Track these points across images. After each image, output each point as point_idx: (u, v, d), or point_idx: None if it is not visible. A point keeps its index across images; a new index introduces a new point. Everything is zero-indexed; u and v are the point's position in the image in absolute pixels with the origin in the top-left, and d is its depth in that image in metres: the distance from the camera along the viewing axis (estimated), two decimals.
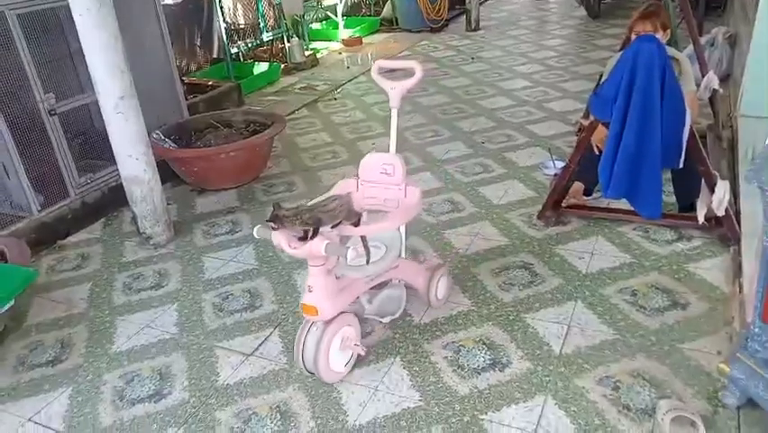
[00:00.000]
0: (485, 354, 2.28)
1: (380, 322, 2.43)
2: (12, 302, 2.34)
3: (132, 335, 2.57)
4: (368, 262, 2.18)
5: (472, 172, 3.83)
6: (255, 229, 2.04)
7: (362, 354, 2.21)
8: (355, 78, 6.31)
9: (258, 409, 2.12)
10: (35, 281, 2.61)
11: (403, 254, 2.41)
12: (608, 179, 2.41)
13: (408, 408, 2.07)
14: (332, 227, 2.00)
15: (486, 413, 2.02)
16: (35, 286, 2.85)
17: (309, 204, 2.02)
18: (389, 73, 2.45)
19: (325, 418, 2.05)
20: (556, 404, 2.03)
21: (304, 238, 1.93)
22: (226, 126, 4.14)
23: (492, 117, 4.79)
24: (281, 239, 1.96)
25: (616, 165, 2.34)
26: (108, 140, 3.12)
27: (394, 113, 2.30)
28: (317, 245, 1.89)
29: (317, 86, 6.15)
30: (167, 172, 3.80)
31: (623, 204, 2.92)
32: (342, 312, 2.13)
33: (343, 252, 1.92)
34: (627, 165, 2.33)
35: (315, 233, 1.92)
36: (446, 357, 2.28)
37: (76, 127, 3.66)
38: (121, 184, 3.34)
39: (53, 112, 3.34)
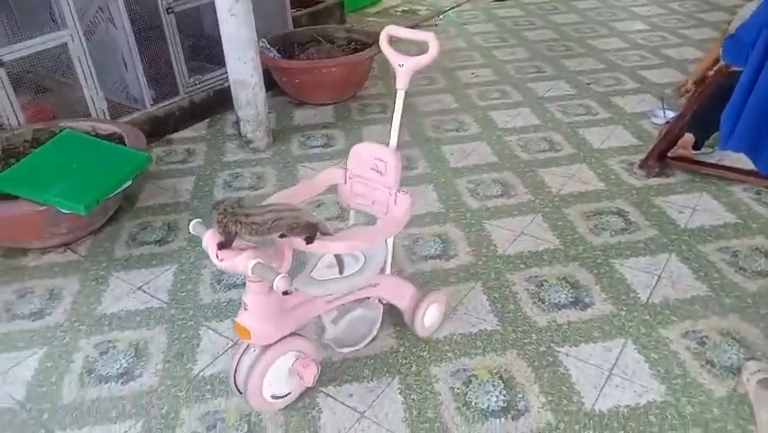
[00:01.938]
0: (567, 291, 2.28)
1: (338, 351, 2.01)
2: (129, 183, 2.54)
3: None
4: (341, 272, 1.82)
5: (574, 113, 3.68)
6: (191, 224, 1.63)
7: (308, 385, 1.80)
8: (459, 5, 6.10)
9: None
10: (149, 167, 2.80)
11: (387, 270, 1.99)
12: (730, 129, 2.24)
13: (485, 330, 2.12)
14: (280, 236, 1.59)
15: (562, 346, 2.04)
16: (147, 173, 3.08)
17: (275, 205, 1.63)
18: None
19: (404, 328, 2.14)
20: (636, 349, 2.01)
21: (223, 246, 1.53)
22: (329, 42, 4.15)
23: (601, 59, 4.52)
24: (210, 242, 1.55)
25: (743, 114, 2.17)
26: (217, 44, 3.23)
27: (400, 95, 1.80)
28: (243, 263, 1.49)
29: (419, 10, 6.01)
30: (268, 82, 3.89)
31: (735, 162, 2.74)
32: (288, 336, 1.75)
33: (272, 277, 1.45)
34: (756, 116, 2.15)
35: (228, 243, 1.53)
36: (528, 289, 2.30)
37: (188, 29, 3.79)
38: (226, 88, 3.47)
39: (170, 10, 3.47)
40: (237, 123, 3.39)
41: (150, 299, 2.33)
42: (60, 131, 2.75)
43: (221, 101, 3.79)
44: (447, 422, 1.81)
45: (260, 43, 3.77)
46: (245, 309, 1.64)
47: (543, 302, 2.23)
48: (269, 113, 3.52)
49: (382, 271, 1.95)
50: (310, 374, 1.77)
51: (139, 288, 2.39)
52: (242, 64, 3.16)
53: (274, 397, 1.80)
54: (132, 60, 3.41)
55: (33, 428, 1.84)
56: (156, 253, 2.59)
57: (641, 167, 3.01)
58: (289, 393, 1.84)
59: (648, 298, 2.23)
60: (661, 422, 1.77)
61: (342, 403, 1.88)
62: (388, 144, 1.85)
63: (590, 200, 2.83)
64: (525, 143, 3.37)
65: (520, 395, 1.88)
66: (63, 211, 2.32)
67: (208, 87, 3.82)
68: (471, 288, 2.32)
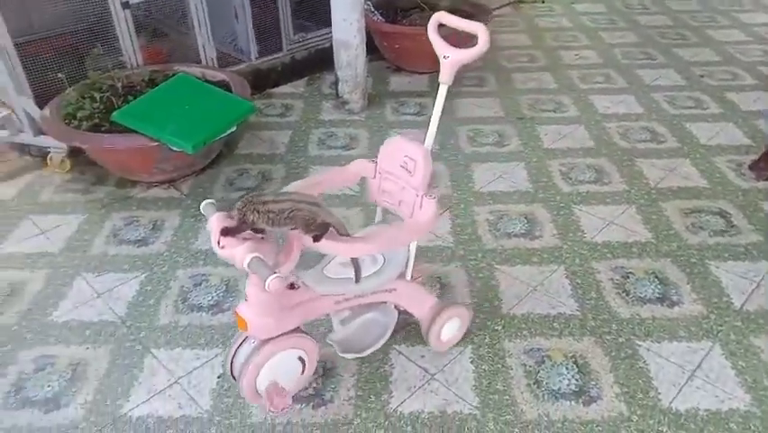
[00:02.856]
0: (655, 287, 2.20)
1: (340, 355, 1.87)
2: (234, 129, 2.66)
3: None
4: (357, 280, 1.67)
5: (682, 105, 3.49)
6: (202, 205, 1.51)
7: (270, 410, 1.61)
8: None
9: (420, 274, 2.28)
10: (251, 116, 2.92)
11: (408, 275, 1.85)
12: None
13: (563, 313, 2.10)
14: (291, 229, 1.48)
15: (644, 340, 1.99)
16: (247, 122, 3.21)
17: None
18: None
19: (482, 300, 2.16)
20: (723, 355, 1.93)
21: (227, 232, 1.42)
22: (432, 9, 4.11)
23: (719, 50, 4.23)
24: (215, 226, 1.44)
25: None
26: (323, 4, 3.29)
27: (442, 90, 1.62)
28: (241, 255, 1.38)
29: None
30: (368, 46, 3.93)
31: None
32: (291, 332, 1.63)
33: (266, 275, 1.33)
34: None
35: (236, 231, 1.42)
36: (612, 279, 2.24)
37: None
38: (327, 48, 3.54)
39: None
40: (335, 83, 3.46)
41: None
42: (174, 74, 2.92)
43: (321, 61, 3.88)
44: (516, 396, 1.82)
45: (365, 6, 3.80)
46: (246, 300, 1.55)
47: (627, 294, 2.18)
48: (367, 76, 3.57)
49: (402, 276, 1.81)
50: (279, 404, 1.59)
51: None
52: (347, 25, 3.21)
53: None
54: (243, 14, 3.53)
55: (132, 342, 2.01)
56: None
57: (751, 168, 2.83)
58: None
59: (743, 304, 2.12)
60: (742, 431, 1.70)
61: (413, 363, 1.94)
62: (424, 141, 1.69)
63: (690, 197, 2.70)
64: (626, 131, 3.23)
65: (593, 382, 1.86)
66: (173, 149, 2.48)
67: (310, 45, 3.91)
68: (554, 270, 2.29)
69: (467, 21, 1.56)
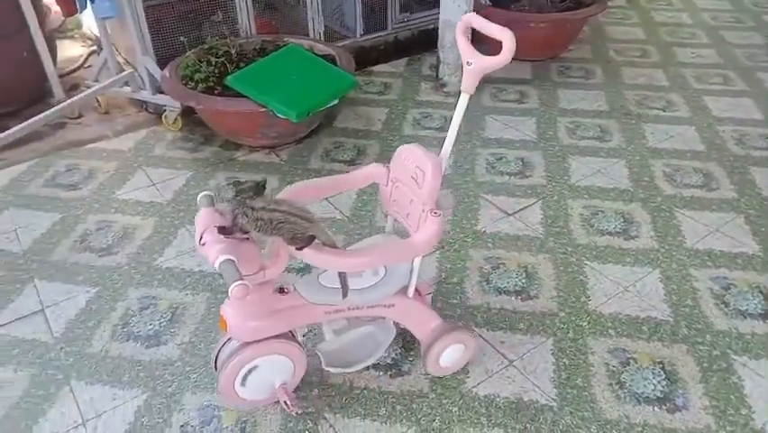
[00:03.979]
0: (759, 301, 2.07)
1: (326, 369, 1.74)
2: (336, 102, 2.74)
3: None
4: (344, 296, 1.58)
5: None
6: (199, 196, 1.48)
7: (290, 409, 1.64)
8: None
9: (507, 261, 2.26)
10: (351, 91, 2.99)
11: (410, 292, 1.71)
12: None
13: (654, 317, 2.02)
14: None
15: (741, 355, 1.88)
16: (347, 97, 3.29)
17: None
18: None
19: (568, 295, 2.12)
20: None
21: (223, 231, 1.38)
22: None
23: None
24: (200, 221, 1.41)
25: None
26: None
27: (463, 99, 1.52)
28: (214, 255, 1.31)
29: None
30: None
31: None
32: (276, 337, 1.58)
33: (237, 276, 1.27)
34: None
35: (229, 231, 1.39)
36: (711, 289, 2.13)
37: None
38: (430, 29, 3.55)
39: None
40: (437, 64, 3.46)
41: (334, 211, 2.54)
42: (285, 44, 3.03)
43: (423, 42, 3.89)
44: (596, 394, 1.78)
45: None
46: (228, 298, 1.48)
47: (726, 306, 2.06)
48: None
49: (404, 291, 1.70)
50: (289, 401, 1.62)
51: (325, 199, 2.62)
52: (456, 6, 3.19)
53: (243, 395, 1.65)
54: None
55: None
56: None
57: None
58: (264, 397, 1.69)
59: None
60: None
61: (492, 347, 1.94)
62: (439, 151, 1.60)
63: None
64: (741, 137, 3.03)
65: (681, 391, 1.78)
66: (278, 116, 2.59)
67: (414, 26, 3.92)
68: (648, 273, 2.20)
69: (495, 25, 1.43)
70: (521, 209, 2.54)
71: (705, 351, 1.90)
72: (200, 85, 2.78)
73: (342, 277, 1.56)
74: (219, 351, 1.64)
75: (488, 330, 1.99)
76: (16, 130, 2.67)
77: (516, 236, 2.39)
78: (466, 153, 2.93)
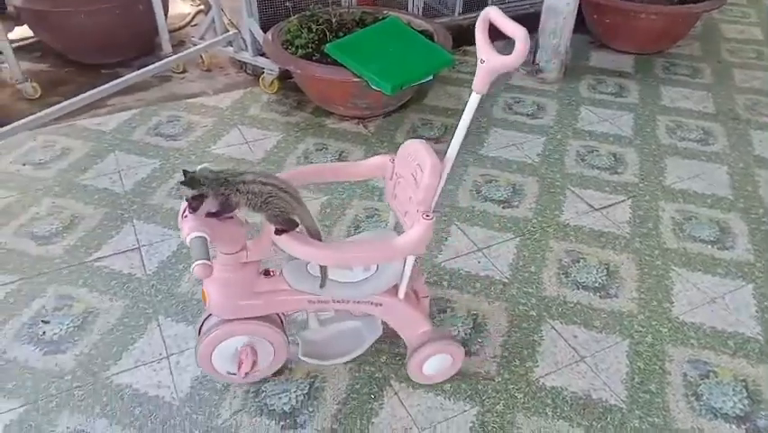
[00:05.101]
0: None
1: (301, 359, 1.70)
2: (430, 78, 2.73)
3: (499, 146, 2.82)
4: (321, 286, 1.52)
5: None
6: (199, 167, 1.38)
7: (239, 374, 1.61)
8: None
9: (588, 256, 2.21)
10: (446, 68, 2.97)
11: (401, 294, 1.62)
12: None
13: (742, 333, 1.92)
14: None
15: None
16: (439, 75, 3.27)
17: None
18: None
19: (650, 298, 2.05)
20: None
21: (213, 215, 1.35)
22: None
23: None
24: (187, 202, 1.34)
25: None
26: None
27: (473, 99, 1.38)
28: (186, 231, 1.28)
29: None
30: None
31: None
32: (256, 319, 1.58)
33: (202, 255, 1.23)
34: None
35: (216, 214, 1.36)
36: None
37: None
38: (531, 13, 3.45)
39: None
40: (534, 49, 3.37)
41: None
42: (384, 17, 3.04)
43: (522, 25, 3.78)
44: (669, 402, 1.72)
45: None
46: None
47: None
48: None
49: (394, 291, 1.62)
50: (246, 365, 1.58)
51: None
52: None
53: (219, 368, 1.65)
54: None
55: None
56: None
57: None
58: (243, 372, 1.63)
59: None
60: None
61: (565, 340, 1.90)
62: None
63: None
64: None
65: (764, 412, 1.69)
66: (372, 87, 2.61)
67: (515, 9, 3.82)
68: (740, 286, 2.09)
69: (511, 21, 1.28)
70: (609, 205, 2.46)
71: None
72: (300, 50, 2.85)
73: (323, 267, 1.51)
74: (205, 320, 1.64)
75: (561, 323, 1.96)
76: (127, 78, 2.84)
77: (600, 232, 2.32)
78: (556, 143, 2.85)
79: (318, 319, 1.75)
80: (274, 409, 1.68)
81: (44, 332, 1.89)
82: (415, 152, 1.48)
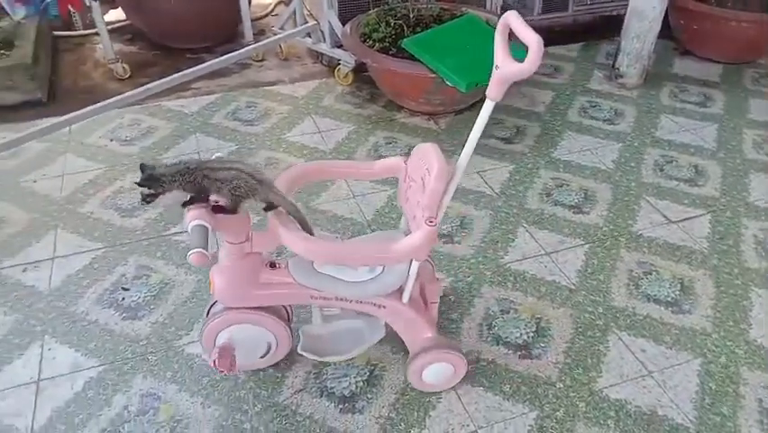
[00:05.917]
0: None
1: (303, 355, 1.68)
2: None
3: (572, 151, 2.76)
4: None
5: None
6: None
7: (214, 361, 1.55)
8: None
9: (661, 270, 2.13)
10: None
11: (405, 297, 1.59)
12: None
13: None
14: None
15: None
16: None
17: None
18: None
19: (726, 318, 1.96)
20: None
21: (188, 203, 1.36)
22: None
23: None
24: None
25: None
26: None
27: (487, 105, 1.38)
28: (187, 219, 1.32)
29: None
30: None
31: None
32: (259, 309, 1.59)
33: (199, 244, 1.25)
34: None
35: (191, 202, 1.35)
36: None
37: None
38: (614, 16, 3.37)
39: None
40: (616, 53, 3.27)
41: (484, 187, 2.54)
42: (461, 14, 3.03)
43: (603, 28, 3.70)
44: (742, 427, 1.64)
45: None
46: (218, 261, 1.50)
47: None
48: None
49: (399, 294, 1.59)
50: (223, 364, 1.54)
51: (477, 172, 2.62)
52: None
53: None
54: None
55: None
56: (500, 149, 2.77)
57: None
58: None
59: None
60: None
61: (632, 353, 1.85)
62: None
63: None
64: None
65: None
66: (447, 83, 2.61)
67: (597, 11, 3.73)
68: None
69: (528, 28, 1.25)
70: (686, 219, 2.37)
71: None
72: (377, 44, 2.88)
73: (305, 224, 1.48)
74: (212, 305, 1.67)
75: (629, 335, 1.90)
76: (211, 64, 2.95)
77: (675, 246, 2.24)
78: (633, 150, 2.77)
79: (322, 316, 1.74)
80: (334, 392, 1.71)
81: (123, 298, 2.00)
82: (426, 155, 1.45)
